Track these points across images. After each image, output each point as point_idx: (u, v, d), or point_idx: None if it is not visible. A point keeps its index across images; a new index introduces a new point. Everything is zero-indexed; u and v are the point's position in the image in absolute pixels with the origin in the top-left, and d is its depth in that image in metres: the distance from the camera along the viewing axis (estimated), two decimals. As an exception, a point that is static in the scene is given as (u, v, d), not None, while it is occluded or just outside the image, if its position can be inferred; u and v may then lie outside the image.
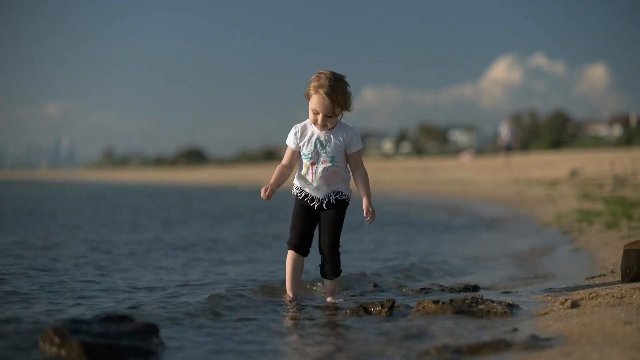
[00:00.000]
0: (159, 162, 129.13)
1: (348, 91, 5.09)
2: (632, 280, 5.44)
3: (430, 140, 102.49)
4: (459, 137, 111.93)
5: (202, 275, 6.72)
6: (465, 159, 46.22)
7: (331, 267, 5.27)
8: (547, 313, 4.62)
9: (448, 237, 10.88)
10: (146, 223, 13.76)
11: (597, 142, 57.86)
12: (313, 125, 5.16)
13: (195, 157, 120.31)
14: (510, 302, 4.85)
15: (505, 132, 30.19)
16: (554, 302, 4.91)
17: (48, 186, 49.45)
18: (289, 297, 5.32)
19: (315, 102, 5.05)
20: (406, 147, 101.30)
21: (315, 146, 5.13)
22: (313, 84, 5.06)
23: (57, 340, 3.63)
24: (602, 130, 78.49)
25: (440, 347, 3.73)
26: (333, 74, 5.08)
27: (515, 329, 4.16)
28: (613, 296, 4.82)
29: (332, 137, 5.14)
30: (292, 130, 5.18)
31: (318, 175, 5.14)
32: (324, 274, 5.32)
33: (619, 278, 5.65)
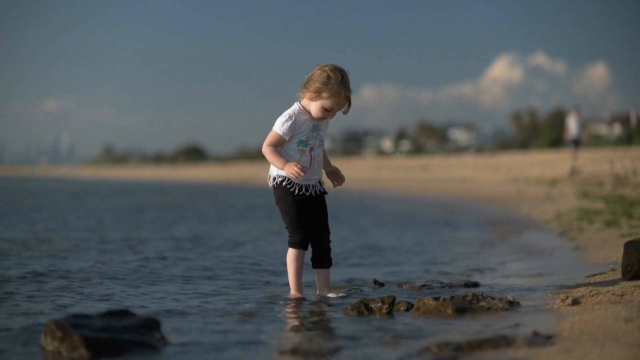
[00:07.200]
0: (159, 159, 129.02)
1: None
2: (632, 278, 5.44)
3: (429, 138, 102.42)
4: (459, 135, 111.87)
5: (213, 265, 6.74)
6: (468, 159, 46.14)
7: (327, 257, 5.36)
8: (548, 310, 4.62)
9: (446, 233, 10.89)
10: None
11: (597, 141, 57.73)
12: (304, 113, 5.17)
13: (194, 154, 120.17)
14: (511, 299, 4.84)
15: (572, 124, 29.01)
16: (555, 299, 4.92)
17: (80, 184, 45.52)
18: (294, 294, 5.33)
19: (334, 102, 5.09)
20: (405, 145, 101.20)
21: (312, 132, 5.20)
22: (334, 84, 5.06)
23: (59, 334, 3.64)
24: (602, 130, 78.32)
25: (440, 344, 3.73)
26: (345, 71, 5.14)
27: (516, 325, 4.17)
28: (614, 294, 4.82)
29: (322, 122, 5.26)
30: (288, 121, 5.12)
31: (316, 159, 5.21)
32: (320, 264, 5.36)
33: (619, 276, 5.65)
